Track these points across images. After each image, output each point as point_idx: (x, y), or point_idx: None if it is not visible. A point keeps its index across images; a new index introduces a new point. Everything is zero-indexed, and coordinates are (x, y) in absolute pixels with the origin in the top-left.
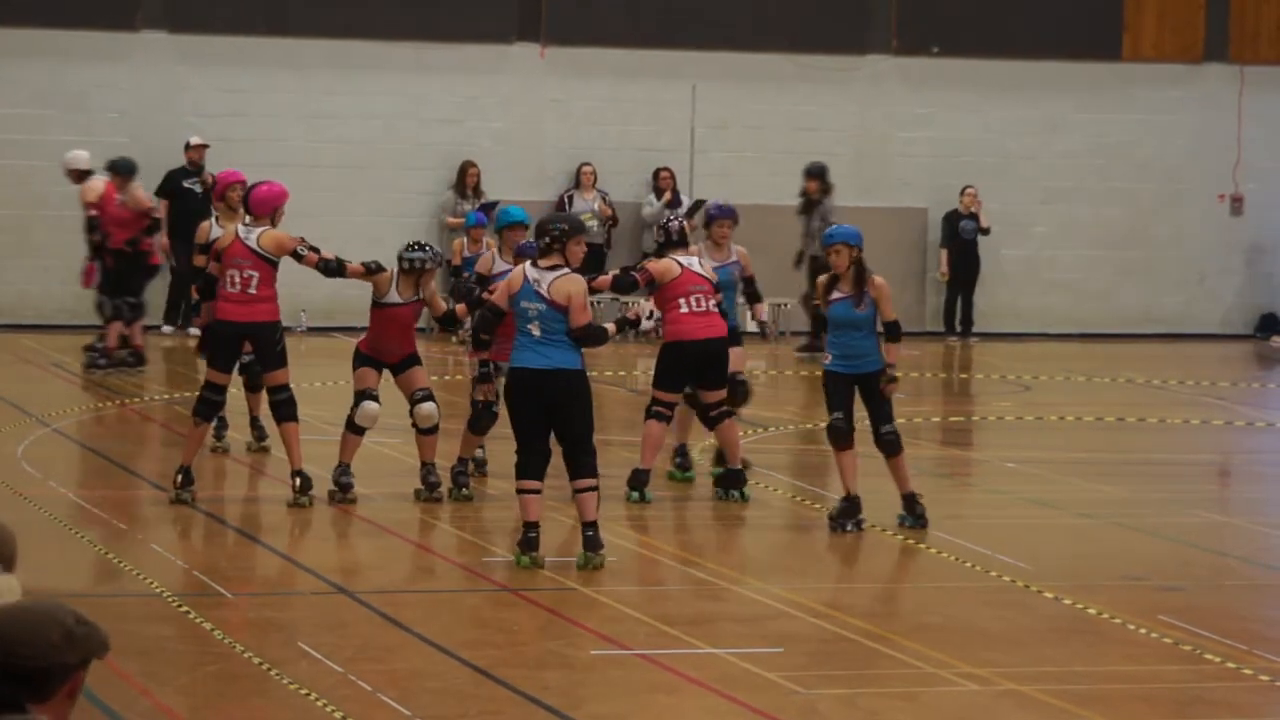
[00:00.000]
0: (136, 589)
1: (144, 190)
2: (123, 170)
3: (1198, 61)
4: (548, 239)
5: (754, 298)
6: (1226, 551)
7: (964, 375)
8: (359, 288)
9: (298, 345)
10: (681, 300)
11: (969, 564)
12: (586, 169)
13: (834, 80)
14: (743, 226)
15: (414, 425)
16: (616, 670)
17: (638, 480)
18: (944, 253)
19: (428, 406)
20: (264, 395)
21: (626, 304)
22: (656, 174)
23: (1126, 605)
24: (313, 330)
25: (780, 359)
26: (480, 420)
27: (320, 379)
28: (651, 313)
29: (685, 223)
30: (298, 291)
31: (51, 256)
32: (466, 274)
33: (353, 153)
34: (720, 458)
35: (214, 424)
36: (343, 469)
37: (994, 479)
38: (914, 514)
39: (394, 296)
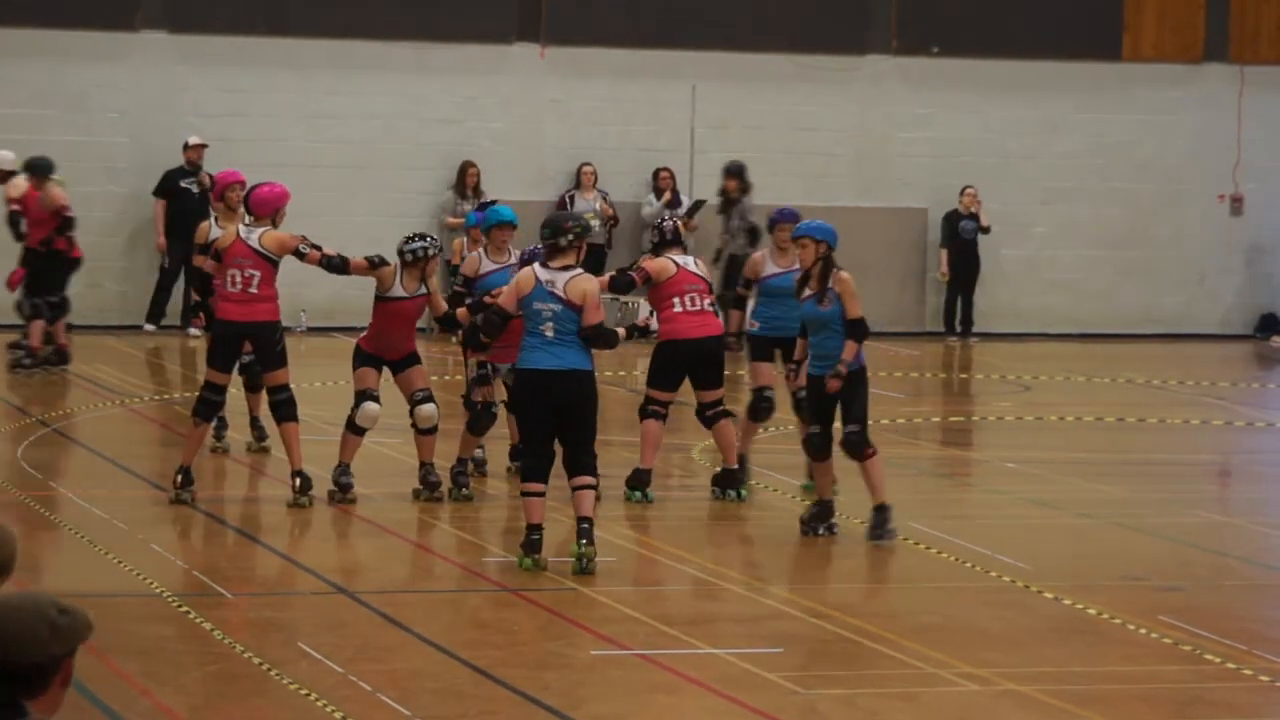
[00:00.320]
0: (136, 589)
1: (60, 189)
2: (39, 170)
3: (1198, 61)
4: (571, 237)
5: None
6: (1226, 551)
7: (964, 375)
8: (359, 287)
9: (298, 345)
10: (676, 299)
11: (969, 564)
12: (587, 169)
13: (834, 80)
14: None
15: (414, 425)
16: (616, 670)
17: (639, 480)
18: (944, 253)
19: (428, 408)
20: (264, 395)
21: (626, 304)
22: (656, 174)
23: (1126, 605)
24: (313, 330)
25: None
26: (479, 421)
27: (320, 379)
28: (653, 312)
29: (680, 222)
30: (298, 291)
31: None
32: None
33: (353, 153)
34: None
35: (214, 424)
36: (342, 469)
37: (994, 479)
38: (878, 529)
39: (398, 290)
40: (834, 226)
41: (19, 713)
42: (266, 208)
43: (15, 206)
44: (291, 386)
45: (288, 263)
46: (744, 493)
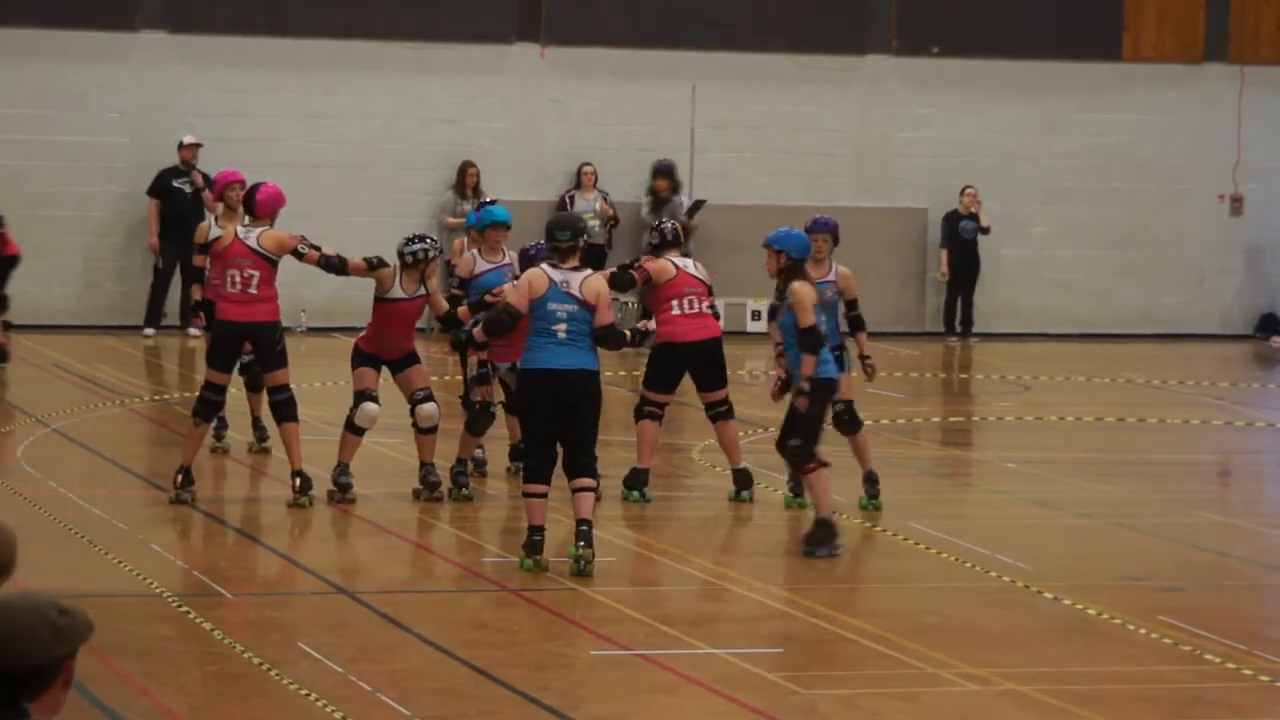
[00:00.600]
0: (136, 589)
1: None
2: None
3: (1198, 61)
4: (585, 237)
5: (855, 324)
6: (1226, 551)
7: (964, 375)
8: (359, 287)
9: (298, 345)
10: (674, 301)
11: (969, 564)
12: (587, 169)
13: (834, 80)
14: (742, 227)
15: (414, 425)
16: (616, 670)
17: (636, 480)
18: (944, 253)
19: (428, 407)
20: (265, 395)
21: (626, 304)
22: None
23: (1126, 605)
24: (313, 330)
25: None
26: (478, 421)
27: (320, 379)
28: (651, 315)
29: (678, 224)
30: (298, 291)
31: (51, 256)
32: (459, 331)
33: (353, 153)
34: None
35: (214, 424)
36: (342, 469)
37: (994, 479)
38: (813, 542)
39: (398, 292)
40: (803, 236)
41: (20, 714)
42: (267, 208)
43: None
44: (292, 386)
45: (287, 262)
46: (749, 494)
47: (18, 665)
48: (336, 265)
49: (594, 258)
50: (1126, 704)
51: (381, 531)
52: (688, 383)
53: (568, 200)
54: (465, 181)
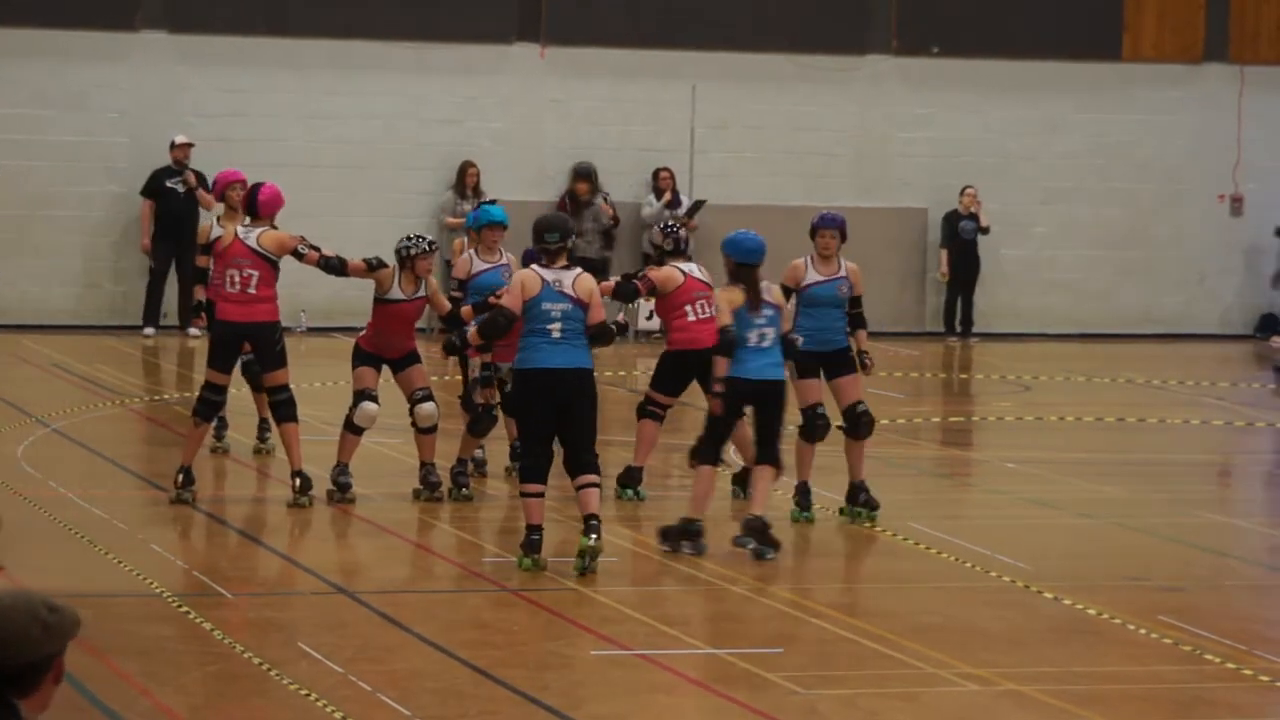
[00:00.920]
0: (136, 589)
1: None
2: None
3: (1198, 61)
4: (574, 237)
5: (856, 322)
6: (1226, 551)
7: (964, 375)
8: (359, 287)
9: (298, 345)
10: (688, 307)
11: (969, 564)
12: None
13: (834, 80)
14: (742, 227)
15: (413, 425)
16: (616, 670)
17: (630, 478)
18: (944, 253)
19: (428, 406)
20: None
21: (629, 309)
22: (656, 174)
23: (1126, 605)
24: (313, 330)
25: None
26: (480, 424)
27: (320, 379)
28: (647, 312)
29: (684, 228)
30: (298, 291)
31: (51, 256)
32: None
33: (353, 153)
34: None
35: (214, 424)
36: (341, 469)
37: (994, 479)
38: (744, 537)
39: (397, 292)
40: (748, 242)
41: (11, 712)
42: (268, 209)
43: None
44: (291, 387)
45: (287, 263)
46: None
47: (12, 664)
48: (336, 266)
49: (595, 264)
50: (1126, 704)
51: (381, 531)
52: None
53: (568, 200)
54: (465, 181)
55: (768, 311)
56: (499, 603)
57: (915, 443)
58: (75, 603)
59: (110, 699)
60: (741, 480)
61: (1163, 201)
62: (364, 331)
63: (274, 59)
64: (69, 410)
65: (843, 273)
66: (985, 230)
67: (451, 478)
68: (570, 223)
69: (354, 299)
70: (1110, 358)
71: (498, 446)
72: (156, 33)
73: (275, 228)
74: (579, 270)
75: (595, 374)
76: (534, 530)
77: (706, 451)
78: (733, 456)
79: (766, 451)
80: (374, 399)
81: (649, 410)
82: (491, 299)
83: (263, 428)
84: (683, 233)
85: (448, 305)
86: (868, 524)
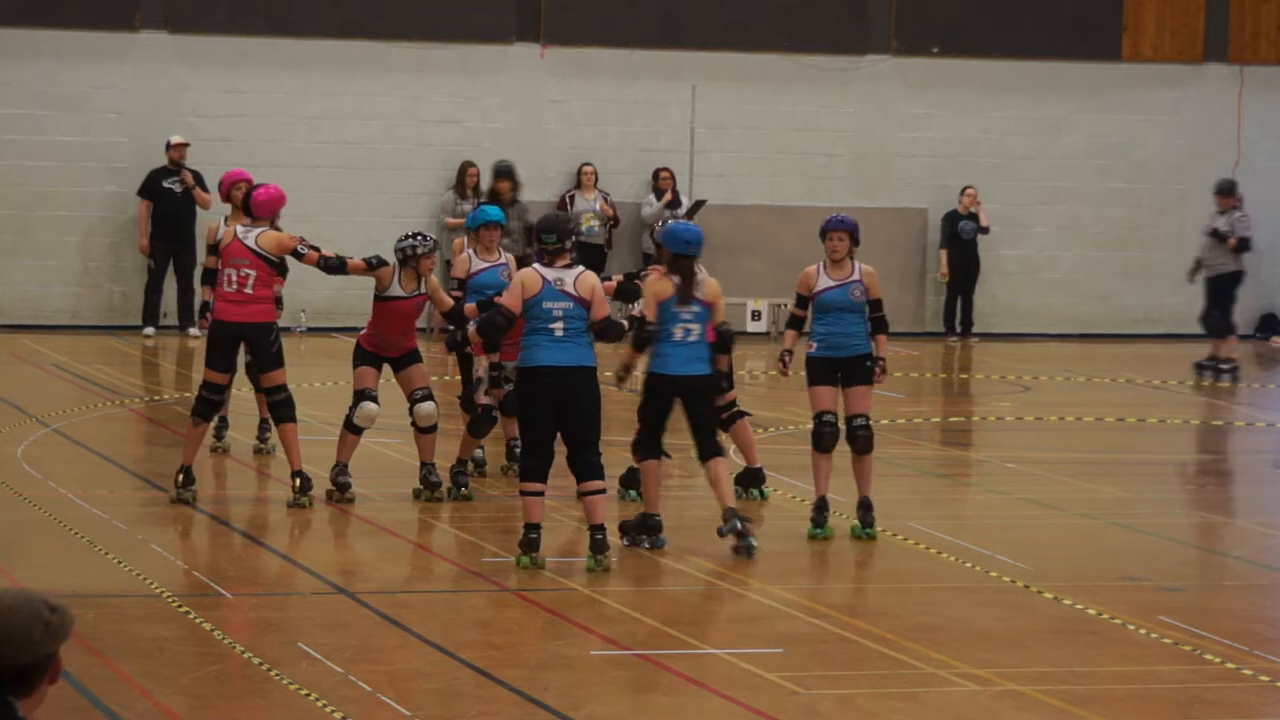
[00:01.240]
0: (136, 589)
1: None
2: None
3: (1198, 61)
4: (574, 239)
5: (877, 326)
6: (1226, 551)
7: (964, 375)
8: (359, 287)
9: (297, 345)
10: None
11: (969, 564)
12: (588, 169)
13: (834, 80)
14: (742, 227)
15: (413, 424)
16: (616, 670)
17: (633, 479)
18: (944, 253)
19: (427, 406)
20: None
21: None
22: (656, 174)
23: (1126, 605)
24: (312, 330)
25: None
26: (480, 424)
27: (320, 379)
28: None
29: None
30: (297, 291)
31: (51, 256)
32: (452, 329)
33: (353, 153)
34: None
35: (214, 424)
36: (340, 468)
37: (994, 479)
38: (628, 530)
39: (396, 290)
40: (685, 233)
41: (10, 711)
42: (266, 209)
43: None
44: (290, 387)
45: (290, 263)
46: (766, 491)
47: (14, 663)
48: (335, 265)
49: (594, 257)
50: (1126, 704)
51: (381, 531)
52: None
53: (568, 200)
54: (465, 181)
55: (695, 307)
56: (499, 603)
57: (915, 443)
58: (75, 603)
59: (110, 699)
60: (744, 480)
61: (1163, 201)
62: (364, 331)
63: (274, 59)
64: (69, 410)
65: (856, 276)
66: (985, 230)
67: (451, 478)
68: (570, 222)
69: (354, 299)
70: (1110, 358)
71: (498, 447)
72: (156, 33)
73: (277, 228)
74: (581, 269)
75: (597, 372)
76: (532, 529)
77: (646, 447)
78: (733, 456)
79: (706, 447)
80: (374, 399)
81: None
82: (496, 298)
83: (263, 428)
84: None
85: (450, 301)
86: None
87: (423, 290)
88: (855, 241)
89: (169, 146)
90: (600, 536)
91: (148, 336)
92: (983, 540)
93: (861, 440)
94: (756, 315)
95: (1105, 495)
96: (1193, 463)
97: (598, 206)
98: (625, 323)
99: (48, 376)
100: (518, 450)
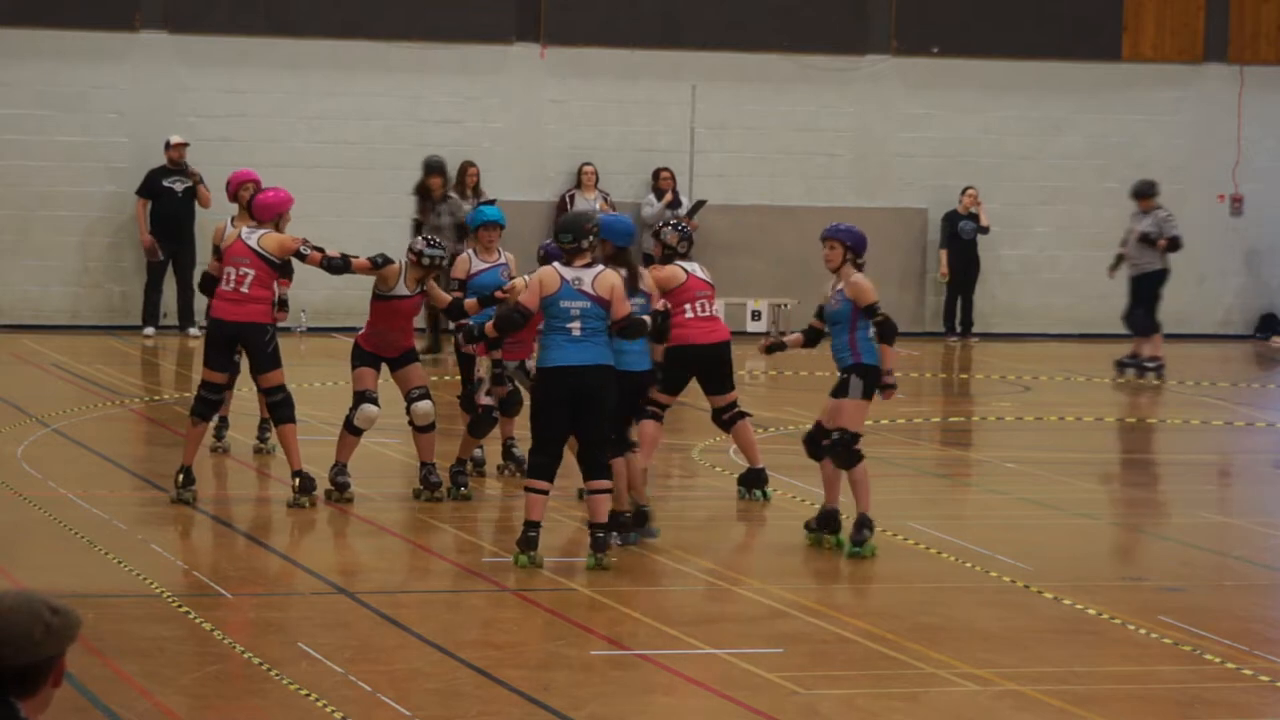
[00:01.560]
0: (136, 589)
1: None
2: None
3: (1198, 62)
4: (592, 238)
5: (879, 334)
6: (1226, 551)
7: (964, 375)
8: (359, 287)
9: (297, 345)
10: (688, 305)
11: (969, 564)
12: (588, 169)
13: (834, 80)
14: (742, 227)
15: (410, 424)
16: (617, 670)
17: None
18: (944, 253)
19: (424, 405)
20: None
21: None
22: (657, 174)
23: (1126, 605)
24: (312, 330)
25: (781, 360)
26: (481, 425)
27: (320, 379)
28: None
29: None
30: (298, 292)
31: (51, 256)
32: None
33: (353, 153)
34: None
35: (214, 424)
36: (339, 468)
37: (994, 479)
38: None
39: (401, 289)
40: (619, 225)
41: (11, 712)
42: (268, 212)
43: None
44: (289, 387)
45: (293, 264)
46: (768, 492)
47: (13, 665)
48: (339, 266)
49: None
50: (1126, 704)
51: (381, 531)
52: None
53: (568, 200)
54: (465, 181)
55: (639, 299)
56: (499, 603)
57: (915, 443)
58: (75, 603)
59: (110, 699)
60: (746, 481)
61: (1163, 201)
62: (362, 331)
63: (274, 59)
64: (69, 410)
65: (841, 285)
66: (985, 230)
67: (451, 477)
68: (588, 223)
69: (354, 299)
70: (1110, 358)
71: (497, 446)
72: (156, 33)
73: (281, 230)
74: (600, 268)
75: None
76: (532, 526)
77: (614, 443)
78: (733, 456)
79: (625, 441)
80: (374, 401)
81: (649, 411)
82: (497, 294)
83: (263, 428)
84: (691, 233)
85: (447, 298)
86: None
87: (421, 289)
88: (852, 251)
89: (168, 146)
90: (601, 535)
91: (148, 336)
92: (983, 540)
93: (834, 455)
94: (756, 315)
95: (1105, 495)
96: (1192, 463)
97: (598, 206)
98: (647, 320)
99: (48, 376)
100: (515, 450)
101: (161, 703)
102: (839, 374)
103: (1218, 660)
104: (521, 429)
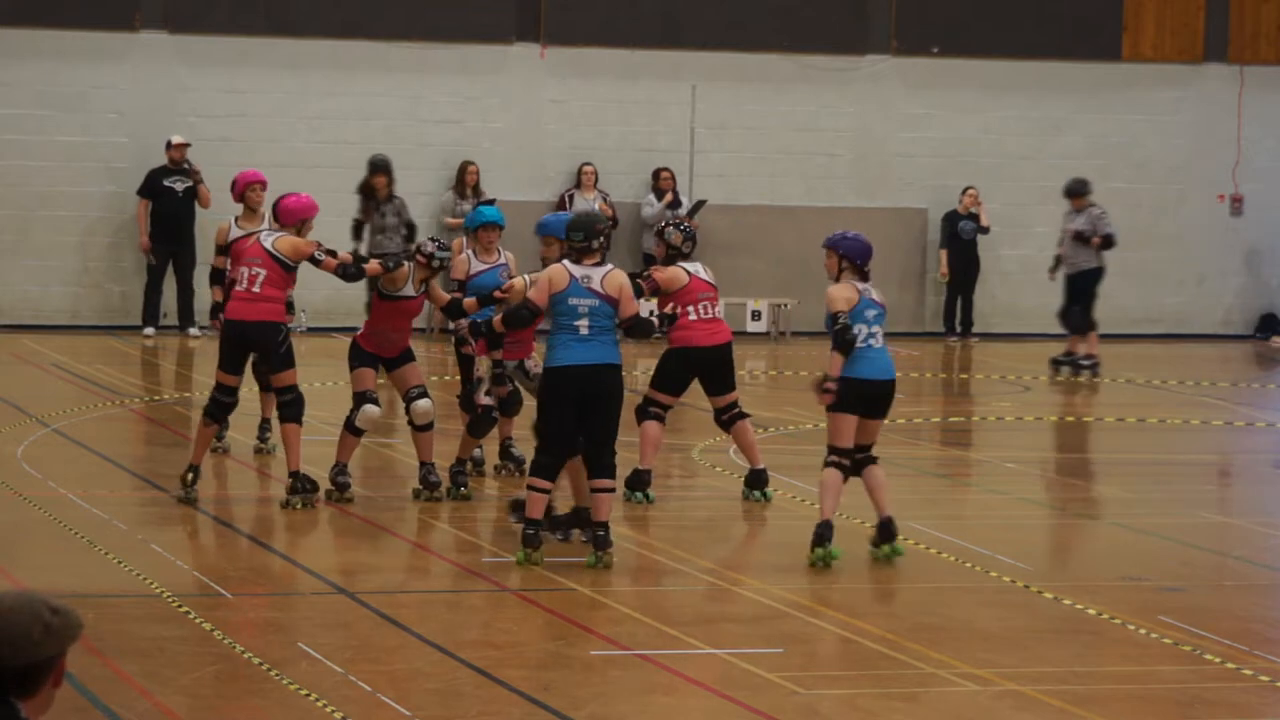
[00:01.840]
0: (136, 589)
1: None
2: None
3: (1198, 62)
4: (602, 238)
5: (834, 342)
6: (1226, 551)
7: (964, 375)
8: (359, 287)
9: (297, 346)
10: (690, 307)
11: (969, 564)
12: (588, 169)
13: (834, 80)
14: (742, 227)
15: (409, 423)
16: (617, 671)
17: (639, 481)
18: (944, 253)
19: (423, 403)
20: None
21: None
22: (657, 174)
23: (1126, 605)
24: (312, 330)
25: (781, 359)
26: (480, 425)
27: (320, 379)
28: (652, 312)
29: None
30: (299, 291)
31: (51, 256)
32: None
33: (353, 153)
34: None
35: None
36: (339, 468)
37: (994, 479)
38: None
39: (408, 289)
40: (556, 222)
41: (12, 712)
42: (291, 217)
43: None
44: (300, 388)
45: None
46: (769, 493)
47: (11, 665)
48: (353, 273)
49: (399, 259)
50: (1126, 704)
51: (381, 531)
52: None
53: (567, 200)
54: (465, 181)
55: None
56: (499, 603)
57: (915, 443)
58: (76, 603)
59: (110, 699)
60: (752, 482)
61: (1163, 201)
62: (361, 330)
63: (274, 59)
64: (69, 410)
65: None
66: (985, 230)
67: (450, 477)
68: (599, 222)
69: (354, 299)
70: (1110, 358)
71: (495, 446)
72: (156, 33)
73: (302, 236)
74: (610, 267)
75: (622, 370)
76: (533, 524)
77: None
78: (733, 456)
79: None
80: (375, 401)
81: (651, 412)
82: (497, 293)
83: (263, 428)
84: (694, 233)
85: (446, 296)
86: (868, 523)
87: (425, 289)
88: (847, 259)
89: (169, 146)
90: (603, 534)
91: (148, 336)
92: (983, 540)
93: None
94: (756, 315)
95: (1105, 495)
96: (1192, 463)
97: (597, 206)
98: (654, 320)
99: (48, 376)
100: (513, 450)
101: (161, 703)
102: None
103: (1218, 660)
104: (521, 429)
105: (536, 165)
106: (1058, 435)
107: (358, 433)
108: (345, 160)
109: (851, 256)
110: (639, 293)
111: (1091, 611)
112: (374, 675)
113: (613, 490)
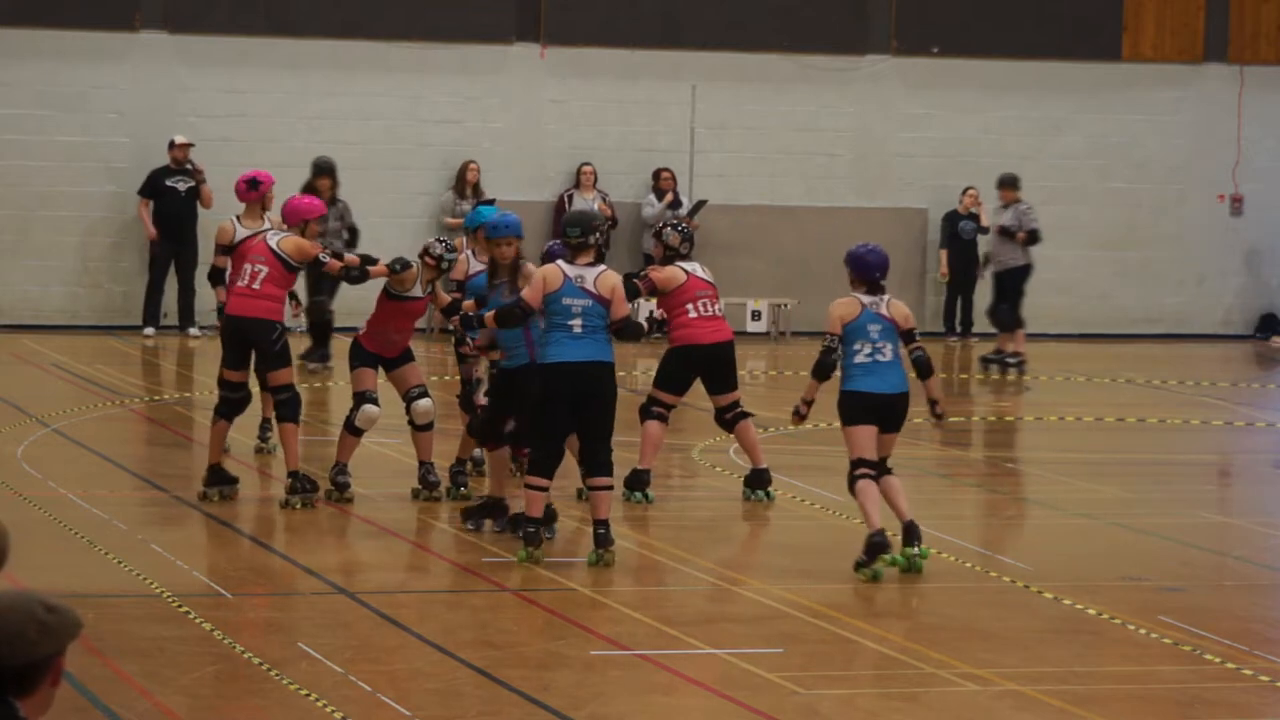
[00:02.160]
0: (136, 589)
1: None
2: None
3: (1198, 62)
4: (598, 235)
5: (814, 367)
6: (1226, 551)
7: (964, 375)
8: (358, 287)
9: (297, 346)
10: (690, 305)
11: (969, 564)
12: (587, 169)
13: (834, 80)
14: (742, 227)
15: (410, 422)
16: (617, 670)
17: (638, 481)
18: (944, 253)
19: (424, 403)
20: None
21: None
22: (657, 174)
23: (1126, 605)
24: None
25: (781, 359)
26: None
27: (320, 379)
28: (651, 313)
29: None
30: (298, 291)
31: (51, 256)
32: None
33: (352, 153)
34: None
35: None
36: (339, 468)
37: (994, 479)
38: (470, 515)
39: (415, 290)
40: (500, 218)
41: (10, 713)
42: (295, 217)
43: None
44: (296, 387)
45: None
46: (771, 493)
47: (8, 664)
48: (357, 276)
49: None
50: (1126, 704)
51: (381, 531)
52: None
53: (567, 200)
54: (465, 181)
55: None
56: (499, 603)
57: (915, 443)
58: (76, 603)
59: (110, 699)
60: (754, 482)
61: (1163, 201)
62: (362, 330)
63: (274, 59)
64: (69, 410)
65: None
66: (985, 230)
67: (450, 477)
68: (595, 220)
69: (354, 299)
70: (1110, 358)
71: None
72: (156, 33)
73: (308, 237)
74: (603, 267)
75: (615, 368)
76: (532, 522)
77: (492, 435)
78: (733, 456)
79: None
80: (375, 401)
81: (654, 411)
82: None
83: (264, 428)
84: (692, 233)
85: (447, 298)
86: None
87: (430, 290)
88: (852, 272)
89: (173, 146)
90: (603, 531)
91: (148, 336)
92: (983, 540)
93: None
94: (756, 315)
95: (1105, 495)
96: (1192, 463)
97: (595, 206)
98: (645, 323)
99: (48, 376)
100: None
101: (161, 703)
102: None
103: (1218, 660)
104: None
105: (536, 165)
106: (1058, 435)
107: (358, 433)
108: (345, 160)
109: (855, 269)
110: (636, 293)
111: (1091, 611)
112: (374, 675)
113: (610, 488)
